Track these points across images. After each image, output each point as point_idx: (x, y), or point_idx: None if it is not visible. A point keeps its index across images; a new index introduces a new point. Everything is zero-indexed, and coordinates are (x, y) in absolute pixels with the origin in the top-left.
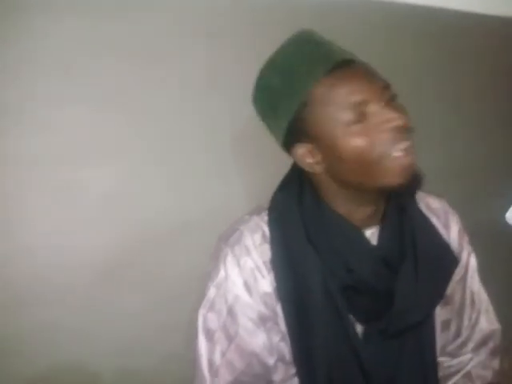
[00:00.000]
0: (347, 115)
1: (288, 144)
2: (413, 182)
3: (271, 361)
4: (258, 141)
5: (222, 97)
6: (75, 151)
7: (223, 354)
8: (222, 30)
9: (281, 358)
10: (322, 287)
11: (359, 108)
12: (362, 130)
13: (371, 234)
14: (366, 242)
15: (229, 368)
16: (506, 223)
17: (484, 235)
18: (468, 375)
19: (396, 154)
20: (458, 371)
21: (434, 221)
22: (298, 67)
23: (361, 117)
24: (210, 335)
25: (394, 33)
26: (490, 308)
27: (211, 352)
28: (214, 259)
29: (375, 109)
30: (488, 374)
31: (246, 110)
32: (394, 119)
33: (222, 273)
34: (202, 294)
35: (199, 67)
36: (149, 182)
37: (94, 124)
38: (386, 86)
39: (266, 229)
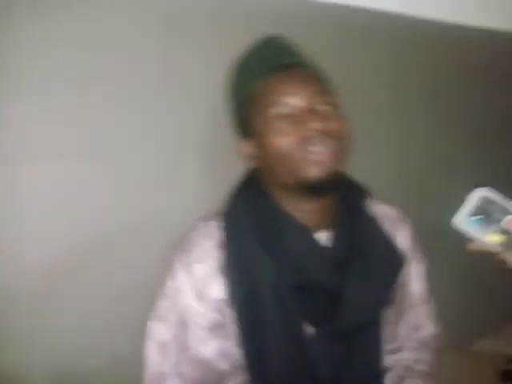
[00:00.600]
0: (275, 113)
1: (240, 139)
2: (328, 181)
3: (225, 367)
4: (213, 141)
5: (175, 96)
6: (19, 149)
7: (174, 367)
8: (176, 27)
9: (234, 364)
10: (273, 290)
11: (287, 108)
12: (286, 130)
13: (324, 236)
14: (315, 242)
15: (181, 380)
16: (452, 228)
17: (431, 239)
18: (407, 368)
19: (312, 154)
20: (396, 365)
21: (385, 225)
22: (248, 66)
23: (284, 117)
24: (160, 347)
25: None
26: (431, 311)
27: (161, 365)
28: (164, 268)
29: (299, 111)
30: (426, 369)
31: (201, 110)
32: (310, 121)
33: (171, 283)
34: (152, 300)
35: (151, 65)
36: (97, 182)
37: (40, 121)
38: (322, 92)
39: (218, 234)
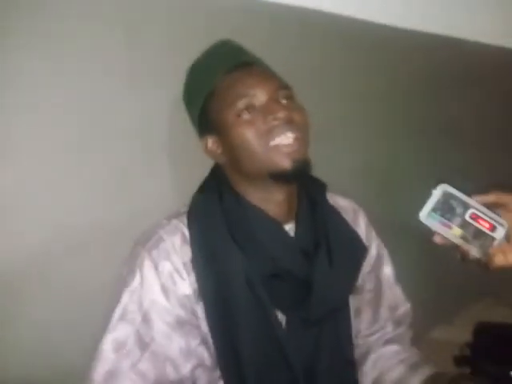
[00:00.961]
0: (238, 106)
1: (199, 136)
2: (302, 168)
3: (186, 368)
4: (186, 141)
5: (147, 95)
6: None
7: (133, 366)
8: (148, 25)
9: (200, 363)
10: (244, 281)
11: (249, 101)
12: (250, 121)
13: (289, 228)
14: (285, 233)
15: (139, 378)
16: (419, 222)
17: (389, 234)
18: (388, 341)
19: (278, 142)
20: (377, 342)
21: (343, 216)
22: (207, 65)
23: (249, 109)
24: (119, 344)
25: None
26: (400, 291)
27: (117, 362)
28: (130, 264)
29: (263, 103)
30: (406, 343)
31: (174, 109)
32: (276, 111)
33: (137, 278)
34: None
35: (120, 63)
36: (69, 181)
37: (6, 119)
38: (282, 87)
39: (186, 230)
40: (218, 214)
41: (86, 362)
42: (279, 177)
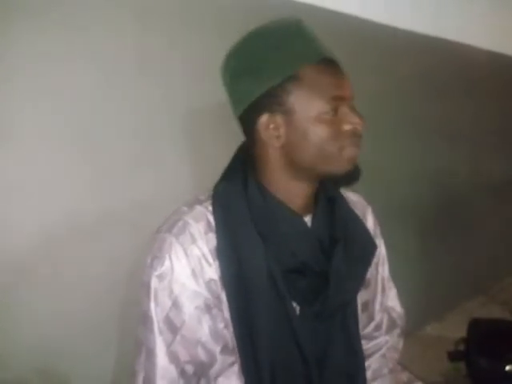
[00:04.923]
0: (326, 105)
1: (252, 111)
2: (353, 174)
3: (217, 348)
4: (189, 131)
5: (152, 84)
6: None
7: (167, 347)
8: (155, 14)
9: (225, 346)
10: (265, 272)
11: (335, 102)
12: (332, 123)
13: (307, 220)
14: (306, 226)
15: (172, 360)
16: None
17: (391, 230)
18: (383, 356)
19: (350, 149)
20: (374, 353)
21: (355, 211)
22: (293, 43)
23: (334, 111)
24: (158, 327)
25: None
26: (396, 293)
27: (153, 345)
28: (156, 250)
29: (345, 109)
30: (397, 356)
31: (178, 99)
32: (357, 124)
33: (167, 263)
34: (128, 288)
35: (127, 52)
36: (72, 170)
37: (8, 106)
38: (352, 94)
39: (211, 217)
40: (242, 205)
41: (93, 349)
42: (335, 177)
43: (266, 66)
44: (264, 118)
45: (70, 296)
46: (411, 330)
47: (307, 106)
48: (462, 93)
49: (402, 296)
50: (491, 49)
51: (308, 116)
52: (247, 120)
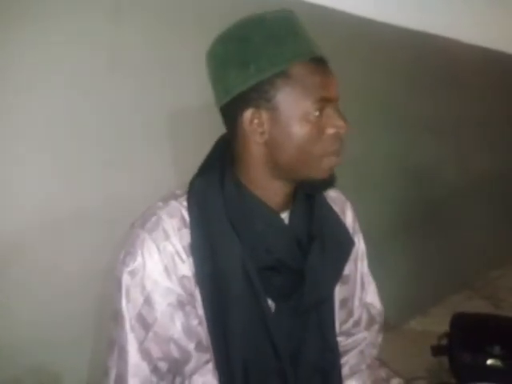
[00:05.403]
0: (313, 105)
1: (237, 104)
2: (329, 181)
3: (191, 345)
4: (165, 129)
5: (127, 82)
6: None
7: (140, 344)
8: (129, 12)
9: (198, 343)
10: (240, 269)
11: (322, 103)
12: (316, 124)
13: (284, 217)
14: (282, 223)
15: (145, 357)
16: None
17: (377, 225)
18: (361, 353)
19: (331, 158)
20: (352, 348)
21: (333, 207)
22: (286, 38)
23: (320, 111)
24: (126, 326)
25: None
26: (376, 290)
27: (124, 342)
28: (129, 246)
29: (331, 111)
30: (375, 352)
31: (155, 97)
32: (342, 127)
33: (139, 259)
34: (100, 287)
35: (100, 49)
36: (45, 168)
37: None
38: (339, 96)
39: (186, 213)
40: (218, 200)
41: (67, 346)
42: (312, 183)
43: (257, 59)
44: (249, 113)
45: (45, 293)
46: (396, 324)
47: (294, 105)
48: (448, 88)
49: (387, 291)
50: (478, 44)
51: (294, 114)
52: (231, 112)
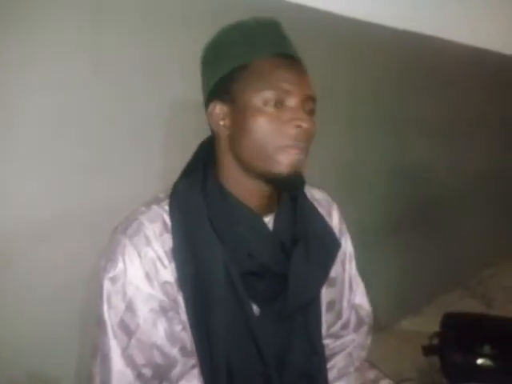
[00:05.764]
0: (269, 96)
1: (208, 99)
2: (294, 181)
3: (174, 351)
4: (157, 130)
5: (110, 83)
6: None
7: (123, 351)
8: (111, 13)
9: (182, 348)
10: (223, 274)
11: (281, 96)
12: (274, 116)
13: (268, 220)
14: (265, 227)
15: (128, 363)
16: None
17: (368, 225)
18: (349, 355)
19: (290, 152)
20: (340, 351)
21: (319, 209)
22: (255, 34)
23: (278, 104)
24: (109, 333)
25: None
26: (364, 291)
27: (107, 348)
28: (110, 252)
29: (292, 105)
30: (364, 354)
31: (137, 99)
32: (303, 120)
33: (120, 265)
34: (90, 289)
35: (83, 51)
36: (35, 170)
37: None
38: (311, 97)
39: (167, 218)
40: (200, 204)
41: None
42: (271, 180)
43: (224, 57)
44: (212, 106)
45: (28, 300)
46: (387, 324)
47: (250, 95)
48: (442, 89)
49: (379, 290)
50: (469, 43)
51: (249, 106)
52: (206, 109)
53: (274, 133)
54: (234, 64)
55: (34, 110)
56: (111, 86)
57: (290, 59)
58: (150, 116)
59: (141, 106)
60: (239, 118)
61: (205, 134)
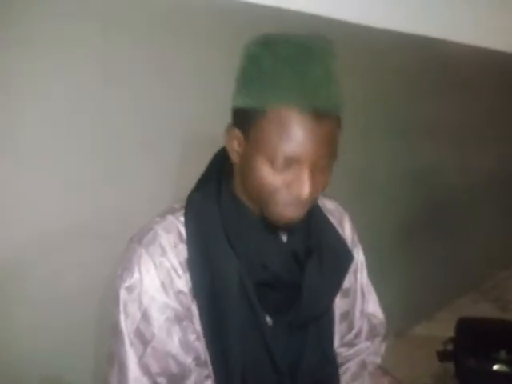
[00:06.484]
0: (279, 155)
1: (232, 115)
2: (290, 225)
3: (188, 360)
4: (158, 141)
5: (118, 93)
6: None
7: (139, 359)
8: (119, 24)
9: (197, 358)
10: (238, 285)
11: (291, 160)
12: (277, 175)
13: (284, 232)
14: (279, 238)
15: (145, 372)
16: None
17: (379, 230)
18: (363, 361)
19: (289, 208)
20: (354, 358)
21: (331, 220)
22: (287, 74)
23: (285, 167)
24: (126, 342)
25: None
26: (376, 299)
27: (124, 356)
28: (126, 261)
29: (298, 172)
30: (378, 360)
31: (147, 108)
32: (303, 191)
33: (136, 275)
34: (101, 299)
35: (93, 61)
36: (44, 181)
37: None
38: (329, 155)
39: (182, 229)
40: (215, 216)
41: (67, 362)
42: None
43: (244, 86)
44: (233, 132)
45: (43, 309)
46: (401, 329)
47: (260, 146)
48: (449, 91)
49: (392, 296)
50: (477, 44)
51: (259, 155)
52: (231, 119)
53: (275, 190)
54: (251, 104)
55: (47, 122)
56: (124, 97)
57: (316, 119)
58: (162, 127)
59: (153, 117)
60: (248, 156)
61: (217, 145)
